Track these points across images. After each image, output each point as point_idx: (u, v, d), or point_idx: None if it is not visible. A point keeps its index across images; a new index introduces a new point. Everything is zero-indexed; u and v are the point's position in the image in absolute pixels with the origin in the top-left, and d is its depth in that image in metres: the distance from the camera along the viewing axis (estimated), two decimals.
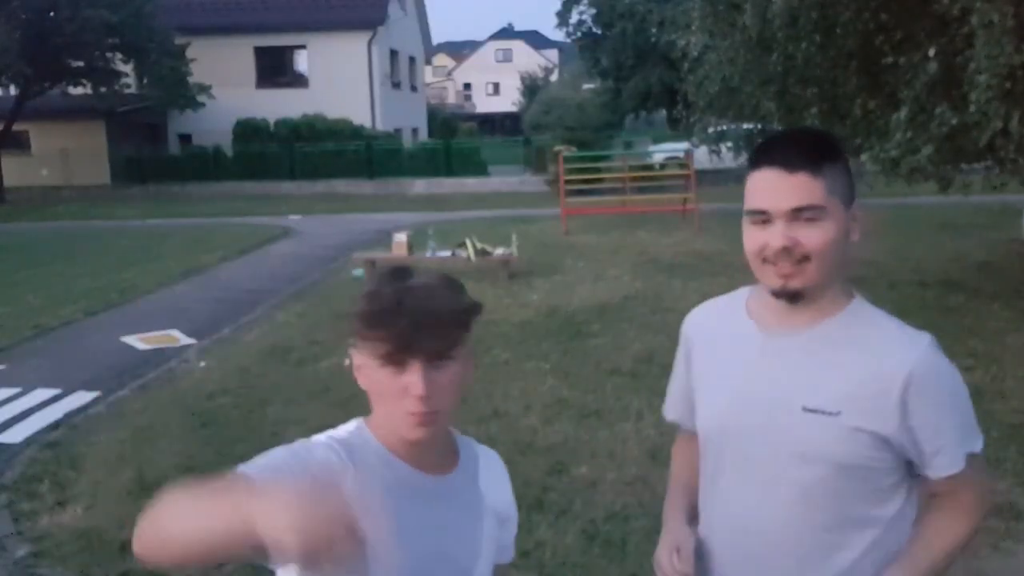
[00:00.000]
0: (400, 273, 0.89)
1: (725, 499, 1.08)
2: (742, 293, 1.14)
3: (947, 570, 1.06)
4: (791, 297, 1.00)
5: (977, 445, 1.04)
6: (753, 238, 1.00)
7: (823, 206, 0.96)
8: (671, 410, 1.26)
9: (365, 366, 0.88)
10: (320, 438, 0.90)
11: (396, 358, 0.84)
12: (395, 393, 0.85)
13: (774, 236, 0.97)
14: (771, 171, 0.98)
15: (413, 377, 0.84)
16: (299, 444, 0.87)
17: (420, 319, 0.84)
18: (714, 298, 1.21)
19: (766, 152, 1.00)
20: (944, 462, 1.02)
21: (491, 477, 0.99)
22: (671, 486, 1.27)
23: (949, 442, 1.01)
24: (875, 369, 0.99)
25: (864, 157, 5.75)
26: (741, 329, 1.08)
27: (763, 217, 0.99)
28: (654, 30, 21.55)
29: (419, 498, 0.89)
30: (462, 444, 0.98)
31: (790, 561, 1.03)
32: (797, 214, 0.96)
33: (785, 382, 1.01)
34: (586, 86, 24.53)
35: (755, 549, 1.05)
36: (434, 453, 0.92)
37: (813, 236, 0.96)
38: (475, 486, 0.95)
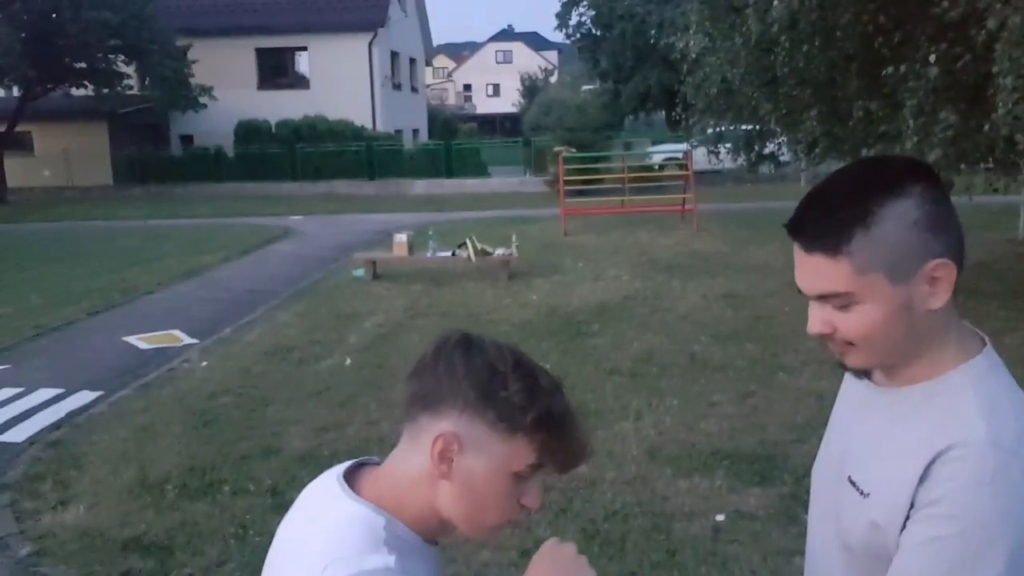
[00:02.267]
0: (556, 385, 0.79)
1: (809, 551, 0.99)
2: None
3: None
4: (856, 373, 0.86)
5: None
6: (809, 313, 0.84)
7: (849, 292, 0.77)
8: None
9: (478, 464, 0.75)
10: (373, 569, 0.71)
11: (534, 471, 0.77)
12: (509, 503, 0.77)
13: (811, 319, 0.82)
14: (794, 244, 0.81)
15: (535, 490, 0.78)
16: None
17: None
18: None
19: (793, 215, 0.81)
20: (893, 566, 0.77)
21: None
22: None
23: (916, 549, 0.75)
24: (912, 451, 0.78)
25: None
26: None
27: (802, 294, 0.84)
28: (653, 32, 21.56)
29: (441, 570, 0.86)
30: None
31: None
32: (824, 300, 0.80)
33: (853, 442, 0.88)
34: (585, 87, 24.51)
35: None
36: None
37: (848, 324, 0.79)
38: None
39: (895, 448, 0.81)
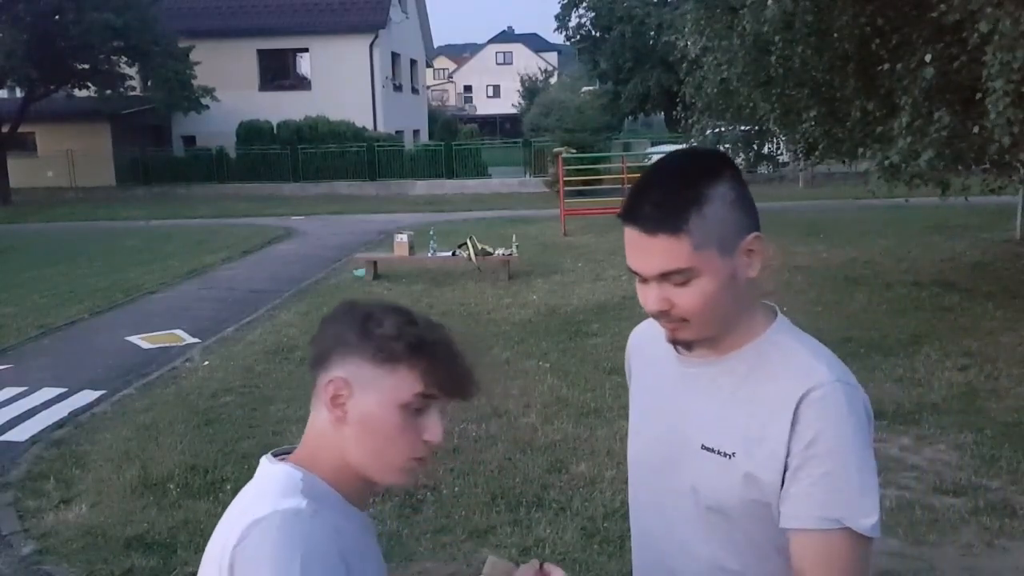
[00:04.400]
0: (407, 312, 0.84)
1: (639, 531, 1.02)
2: None
3: None
4: (685, 346, 0.93)
5: (856, 521, 0.82)
6: (638, 292, 0.91)
7: (691, 267, 0.85)
8: None
9: (368, 402, 0.79)
10: (286, 509, 0.75)
11: (424, 400, 0.80)
12: (407, 438, 0.80)
13: (648, 298, 0.89)
14: (631, 231, 0.87)
15: (435, 423, 0.81)
16: (293, 535, 0.73)
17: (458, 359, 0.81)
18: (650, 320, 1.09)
19: (627, 205, 0.87)
20: (790, 510, 0.84)
21: None
22: None
23: (810, 490, 0.83)
24: (772, 402, 0.86)
25: (865, 164, 5.78)
26: (667, 355, 0.98)
27: (638, 275, 0.90)
28: (652, 33, 21.60)
29: (372, 539, 0.88)
30: None
31: None
32: (665, 278, 0.87)
33: (691, 416, 0.93)
34: (585, 88, 24.55)
35: None
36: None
37: (686, 298, 0.86)
38: None
39: (749, 406, 0.88)
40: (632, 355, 1.10)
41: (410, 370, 0.79)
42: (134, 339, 6.24)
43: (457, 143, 21.70)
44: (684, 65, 7.39)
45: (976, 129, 4.46)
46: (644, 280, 0.89)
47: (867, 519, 0.82)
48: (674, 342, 0.92)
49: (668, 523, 0.95)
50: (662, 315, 0.89)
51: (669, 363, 0.98)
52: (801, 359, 0.88)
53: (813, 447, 0.83)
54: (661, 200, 0.85)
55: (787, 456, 0.84)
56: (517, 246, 8.10)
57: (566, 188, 11.62)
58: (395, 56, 23.31)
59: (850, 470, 0.83)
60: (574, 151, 15.06)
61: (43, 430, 4.31)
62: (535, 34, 54.33)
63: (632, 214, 0.87)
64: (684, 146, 14.37)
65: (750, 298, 0.91)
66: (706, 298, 0.86)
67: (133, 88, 18.75)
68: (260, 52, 21.76)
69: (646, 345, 1.06)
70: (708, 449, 0.90)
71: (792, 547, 0.85)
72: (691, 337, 0.91)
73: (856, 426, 0.84)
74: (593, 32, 24.36)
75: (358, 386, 0.79)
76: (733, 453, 0.88)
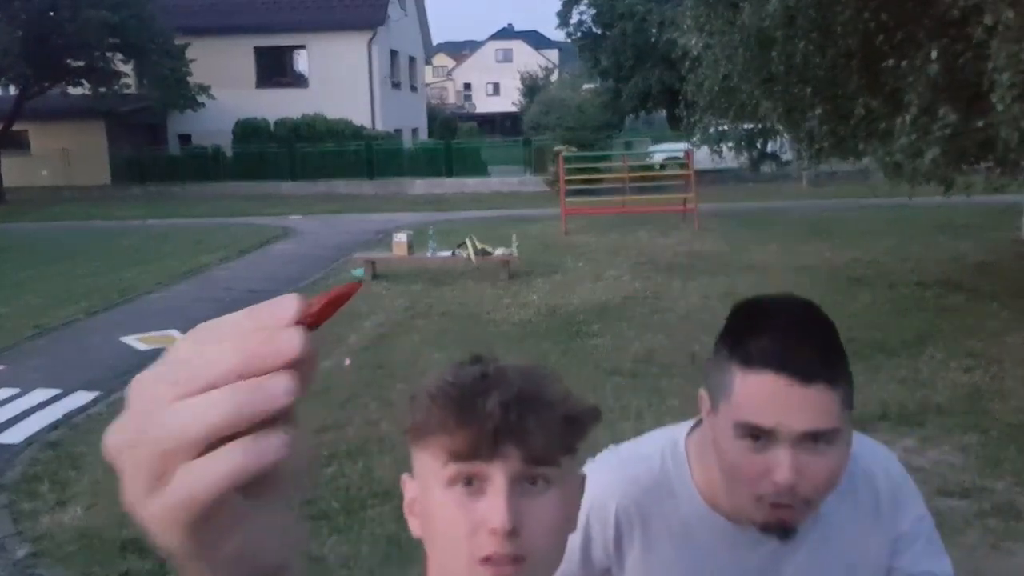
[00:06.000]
0: (479, 358, 0.61)
1: None
2: (674, 459, 0.85)
3: None
4: (784, 535, 0.75)
5: (947, 570, 0.87)
6: (747, 461, 0.72)
7: (838, 428, 0.72)
8: None
9: (427, 492, 0.59)
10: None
11: (470, 468, 0.56)
12: (468, 529, 0.56)
13: (779, 467, 0.71)
14: (776, 378, 0.70)
15: (492, 502, 0.56)
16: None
17: (516, 407, 0.56)
18: (630, 460, 0.88)
19: (765, 347, 0.72)
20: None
21: None
22: None
23: (919, 559, 0.85)
24: (870, 509, 0.83)
25: (867, 160, 5.74)
26: (701, 525, 0.81)
27: (759, 435, 0.72)
28: (654, 30, 21.55)
29: None
30: None
31: None
32: (808, 439, 0.71)
33: None
34: (586, 86, 24.55)
35: None
36: None
37: (821, 467, 0.71)
38: None
39: (848, 550, 0.83)
40: (631, 520, 0.84)
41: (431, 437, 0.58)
42: (130, 340, 6.19)
43: (456, 142, 21.68)
44: (686, 63, 7.35)
45: (980, 124, 4.42)
46: (768, 443, 0.71)
47: (948, 568, 0.87)
48: (777, 528, 0.74)
49: None
50: (785, 492, 0.71)
51: (712, 528, 0.80)
52: (866, 454, 0.86)
53: (920, 524, 0.86)
54: (821, 345, 0.72)
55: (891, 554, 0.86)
56: (517, 246, 8.06)
57: (567, 187, 11.58)
58: (394, 53, 23.25)
59: (932, 529, 0.88)
60: (575, 149, 15.06)
61: (38, 432, 4.27)
62: (535, 31, 54.22)
63: (777, 356, 0.71)
64: (685, 144, 14.23)
65: None
66: (839, 468, 0.72)
67: (128, 86, 18.66)
68: (257, 49, 21.68)
69: (648, 513, 0.83)
70: None
71: None
72: (799, 521, 0.74)
73: (917, 491, 0.89)
74: (594, 29, 24.30)
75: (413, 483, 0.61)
76: None
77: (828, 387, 0.71)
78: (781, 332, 0.73)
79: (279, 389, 0.27)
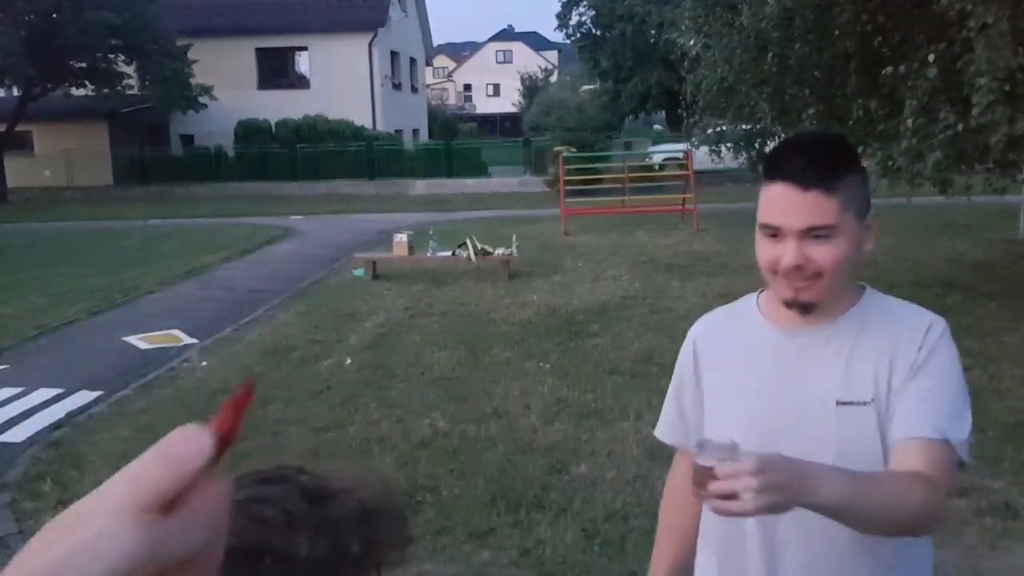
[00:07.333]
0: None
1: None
2: (750, 298, 1.12)
3: (862, 515, 0.89)
4: (803, 308, 0.99)
5: (958, 435, 0.93)
6: (765, 251, 0.98)
7: (836, 224, 0.94)
8: (670, 433, 1.18)
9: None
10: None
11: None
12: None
13: (786, 253, 0.95)
14: (783, 186, 0.95)
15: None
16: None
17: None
18: (718, 308, 1.18)
19: (778, 164, 0.97)
20: (910, 420, 0.93)
21: None
22: (659, 536, 1.21)
23: (918, 406, 0.94)
24: (898, 340, 0.98)
25: (865, 163, 5.73)
26: (759, 332, 1.05)
27: (775, 232, 0.97)
28: (653, 32, 21.56)
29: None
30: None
31: (834, 569, 0.98)
32: (809, 232, 0.94)
33: (818, 379, 0.99)
34: (585, 87, 24.55)
35: (795, 559, 0.99)
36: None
37: (825, 254, 0.95)
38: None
39: (875, 355, 0.99)
40: (703, 346, 1.14)
41: None
42: (132, 339, 6.22)
43: (457, 142, 21.70)
44: (684, 63, 7.37)
45: (975, 126, 4.44)
46: (780, 237, 0.96)
47: (962, 434, 0.94)
48: (795, 303, 0.99)
49: None
50: (796, 271, 0.96)
51: (765, 340, 1.05)
52: (910, 309, 1.04)
53: (932, 358, 0.96)
54: (818, 160, 0.95)
55: (910, 367, 0.96)
56: (517, 246, 8.08)
57: (567, 188, 11.60)
58: (394, 55, 23.28)
59: (955, 389, 0.97)
60: (575, 150, 15.06)
61: (40, 431, 4.28)
62: (535, 32, 54.23)
63: (784, 169, 0.96)
64: (684, 145, 14.26)
65: (858, 269, 1.01)
66: (841, 256, 0.95)
67: (131, 87, 18.71)
68: (259, 51, 21.73)
69: (720, 334, 1.13)
70: (845, 403, 0.98)
71: (895, 454, 0.94)
72: (815, 298, 0.98)
73: (958, 360, 1.00)
74: (594, 30, 24.31)
75: None
76: (870, 400, 0.97)
77: (824, 193, 0.94)
78: (792, 152, 0.99)
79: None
